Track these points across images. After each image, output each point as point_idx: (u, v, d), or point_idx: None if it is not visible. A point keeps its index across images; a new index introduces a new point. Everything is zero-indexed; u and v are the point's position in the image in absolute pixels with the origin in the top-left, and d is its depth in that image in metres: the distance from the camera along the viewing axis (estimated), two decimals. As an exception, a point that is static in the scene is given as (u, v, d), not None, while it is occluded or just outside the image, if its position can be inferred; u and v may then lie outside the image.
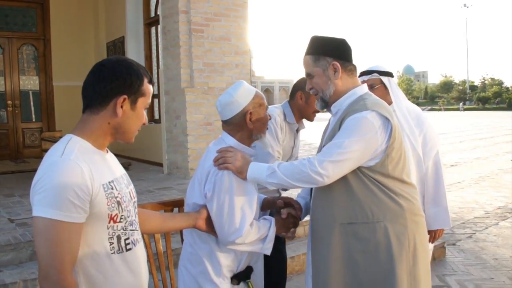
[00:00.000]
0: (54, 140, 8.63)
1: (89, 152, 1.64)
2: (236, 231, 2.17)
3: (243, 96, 2.30)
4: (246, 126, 2.30)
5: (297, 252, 4.64)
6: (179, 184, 6.49)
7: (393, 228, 2.15)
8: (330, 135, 2.25)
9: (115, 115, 1.66)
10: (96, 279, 1.63)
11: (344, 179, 2.16)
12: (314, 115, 3.24)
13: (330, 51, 2.26)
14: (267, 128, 2.43)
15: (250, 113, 2.29)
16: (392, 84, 3.15)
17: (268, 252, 2.32)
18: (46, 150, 8.25)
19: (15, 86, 9.87)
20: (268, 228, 2.29)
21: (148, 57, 9.51)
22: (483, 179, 10.91)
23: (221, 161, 2.20)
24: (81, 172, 1.54)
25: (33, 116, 10.23)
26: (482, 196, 8.87)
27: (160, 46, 8.17)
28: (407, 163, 2.26)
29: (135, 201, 1.81)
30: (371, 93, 2.32)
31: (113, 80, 1.64)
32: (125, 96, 1.66)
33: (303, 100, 3.19)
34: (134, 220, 1.76)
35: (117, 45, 9.82)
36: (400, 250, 2.14)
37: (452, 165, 12.20)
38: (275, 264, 3.24)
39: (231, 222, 2.18)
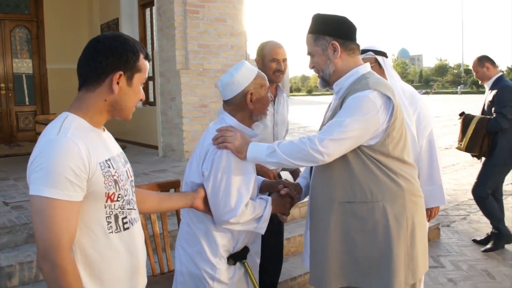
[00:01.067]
0: (48, 123, 8.56)
1: (86, 130, 1.62)
2: (231, 211, 2.17)
3: (244, 76, 2.29)
4: (246, 106, 2.28)
5: (293, 233, 4.65)
6: (174, 167, 6.48)
7: (391, 208, 2.15)
8: (332, 114, 2.24)
9: (111, 91, 1.64)
10: (93, 259, 1.61)
11: (344, 158, 2.15)
12: (278, 76, 3.26)
13: (330, 30, 2.23)
14: (268, 110, 2.41)
15: (251, 93, 2.27)
16: (386, 64, 3.15)
17: (262, 232, 2.32)
18: (40, 133, 8.22)
19: (8, 69, 9.75)
20: (264, 207, 2.29)
21: (143, 38, 9.42)
22: (477, 161, 10.95)
23: (220, 140, 2.20)
24: (78, 150, 1.52)
25: (27, 99, 10.14)
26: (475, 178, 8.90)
27: (155, 27, 8.09)
28: (408, 143, 2.26)
29: (132, 180, 1.80)
30: (373, 72, 2.29)
31: (108, 56, 1.62)
32: (121, 72, 1.63)
33: (260, 64, 3.26)
34: (132, 199, 1.75)
35: (111, 27, 9.71)
36: (398, 231, 2.15)
37: (447, 148, 12.23)
38: (272, 246, 3.25)
39: (226, 201, 2.17)
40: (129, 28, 9.25)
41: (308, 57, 2.32)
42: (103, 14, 10.12)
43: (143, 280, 1.82)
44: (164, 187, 2.88)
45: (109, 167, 1.63)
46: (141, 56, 1.69)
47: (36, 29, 10.00)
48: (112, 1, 9.59)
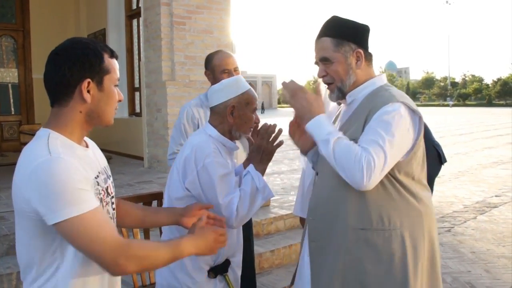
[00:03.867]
0: (33, 134, 8.48)
1: (71, 147, 1.55)
2: (230, 218, 2.14)
3: (232, 88, 2.26)
4: (226, 119, 2.26)
5: (277, 245, 4.65)
6: (159, 178, 6.45)
7: (410, 237, 1.96)
8: (346, 127, 2.03)
9: (84, 101, 1.55)
10: (74, 272, 1.55)
11: None
12: None
13: (354, 36, 2.04)
14: (250, 131, 2.33)
15: (233, 106, 2.24)
16: None
17: (272, 195, 2.28)
18: (25, 143, 8.04)
19: (-7, 78, 9.70)
20: (251, 180, 2.23)
21: (130, 49, 9.41)
22: (463, 174, 11.05)
23: (290, 92, 2.04)
24: (76, 166, 1.47)
25: (12, 109, 10.07)
26: (461, 190, 8.98)
27: (141, 38, 8.08)
28: (425, 164, 2.08)
29: (112, 197, 1.74)
30: (390, 84, 2.12)
31: (70, 66, 1.53)
32: (89, 80, 1.54)
33: (211, 77, 3.21)
34: (111, 217, 1.69)
35: (98, 37, 9.70)
36: (415, 262, 1.96)
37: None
38: (247, 260, 3.23)
39: (222, 210, 2.15)
40: (116, 39, 9.25)
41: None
42: (90, 24, 10.11)
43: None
44: (145, 199, 2.85)
45: (98, 184, 1.58)
46: (106, 56, 1.59)
47: (22, 39, 9.95)
48: (99, 11, 9.59)
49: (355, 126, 1.98)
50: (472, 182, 9.99)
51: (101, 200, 1.58)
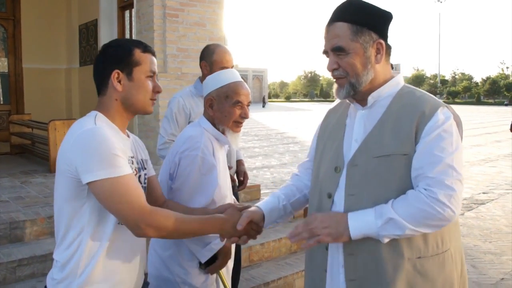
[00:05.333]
0: (23, 124, 8.47)
1: (114, 129, 1.78)
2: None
3: (214, 81, 2.27)
4: (207, 111, 2.28)
5: (267, 239, 4.67)
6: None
7: (456, 253, 1.74)
8: (379, 135, 1.71)
9: (116, 90, 1.78)
10: (106, 245, 1.72)
11: None
12: None
13: (376, 25, 1.72)
14: (236, 126, 2.28)
15: (211, 99, 2.25)
16: None
17: (201, 259, 2.22)
18: (14, 133, 7.98)
19: (-18, 67, 9.60)
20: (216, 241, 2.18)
21: (121, 41, 9.36)
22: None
23: (308, 237, 1.72)
24: (116, 138, 1.70)
25: (1, 98, 9.97)
26: (449, 187, 9.07)
27: (134, 30, 8.05)
28: None
29: (145, 187, 1.91)
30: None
31: (103, 60, 1.80)
32: (117, 71, 1.77)
33: (208, 70, 3.22)
34: None
35: (90, 28, 9.63)
36: (458, 279, 1.75)
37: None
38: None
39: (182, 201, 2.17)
40: (108, 30, 9.19)
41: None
42: (82, 15, 10.01)
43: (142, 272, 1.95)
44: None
45: (132, 163, 1.78)
46: (137, 51, 1.80)
47: (13, 28, 9.84)
48: (91, 1, 9.51)
49: (401, 135, 1.67)
50: (460, 179, 10.09)
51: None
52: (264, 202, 2.03)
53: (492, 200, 8.11)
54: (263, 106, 58.28)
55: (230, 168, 2.83)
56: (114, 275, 1.74)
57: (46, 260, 3.70)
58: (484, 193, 8.69)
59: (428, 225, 1.59)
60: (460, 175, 1.60)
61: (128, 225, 1.65)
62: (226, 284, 2.38)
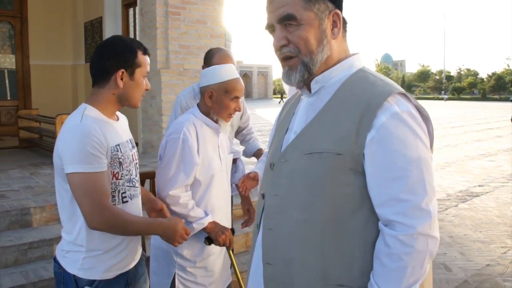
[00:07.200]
0: (31, 118, 8.70)
1: (101, 120, 1.96)
2: (169, 184, 2.39)
3: (216, 74, 2.47)
4: (205, 101, 2.49)
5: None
6: (153, 162, 6.66)
7: None
8: (318, 128, 1.40)
9: (117, 87, 1.98)
10: None
11: (355, 222, 1.36)
12: None
13: None
14: (229, 117, 2.53)
15: (211, 92, 2.46)
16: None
17: (192, 229, 2.42)
18: (22, 128, 8.18)
19: (-10, 64, 9.84)
20: (199, 218, 2.45)
21: (126, 38, 9.56)
22: (450, 164, 11.34)
23: None
24: (97, 132, 1.87)
25: (9, 94, 10.23)
26: (446, 180, 9.27)
27: (137, 27, 8.28)
28: None
29: (136, 163, 2.13)
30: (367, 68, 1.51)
31: (110, 58, 1.96)
32: (123, 70, 1.96)
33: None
34: (134, 178, 2.09)
35: (95, 25, 9.86)
36: None
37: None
38: None
39: (167, 177, 2.40)
40: (112, 27, 9.42)
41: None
42: (87, 12, 10.25)
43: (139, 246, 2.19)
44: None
45: (117, 151, 1.97)
46: (139, 53, 2.00)
47: (20, 25, 10.09)
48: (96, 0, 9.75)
49: (338, 131, 1.35)
50: (458, 172, 10.28)
51: (120, 163, 1.98)
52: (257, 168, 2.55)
53: (487, 192, 8.28)
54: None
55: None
56: (115, 246, 2.01)
57: (54, 243, 3.95)
58: (479, 186, 8.86)
59: (420, 274, 1.30)
60: (433, 189, 1.32)
61: (85, 217, 1.87)
62: (233, 260, 2.62)
